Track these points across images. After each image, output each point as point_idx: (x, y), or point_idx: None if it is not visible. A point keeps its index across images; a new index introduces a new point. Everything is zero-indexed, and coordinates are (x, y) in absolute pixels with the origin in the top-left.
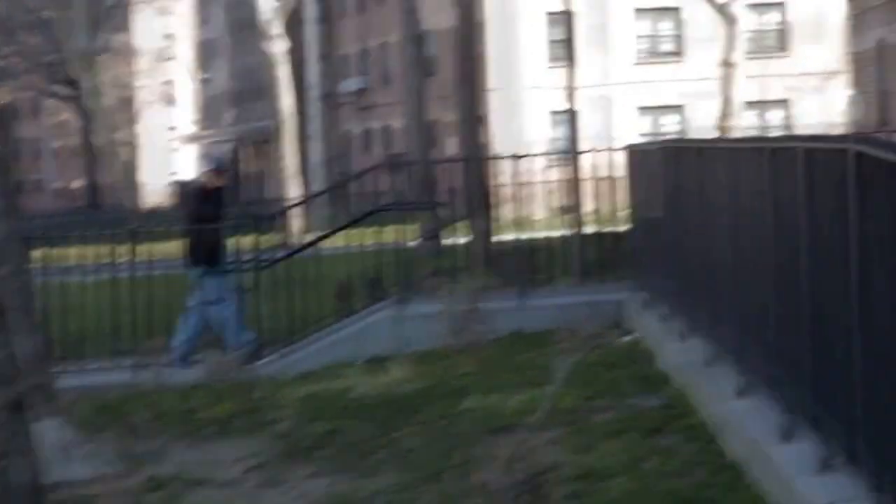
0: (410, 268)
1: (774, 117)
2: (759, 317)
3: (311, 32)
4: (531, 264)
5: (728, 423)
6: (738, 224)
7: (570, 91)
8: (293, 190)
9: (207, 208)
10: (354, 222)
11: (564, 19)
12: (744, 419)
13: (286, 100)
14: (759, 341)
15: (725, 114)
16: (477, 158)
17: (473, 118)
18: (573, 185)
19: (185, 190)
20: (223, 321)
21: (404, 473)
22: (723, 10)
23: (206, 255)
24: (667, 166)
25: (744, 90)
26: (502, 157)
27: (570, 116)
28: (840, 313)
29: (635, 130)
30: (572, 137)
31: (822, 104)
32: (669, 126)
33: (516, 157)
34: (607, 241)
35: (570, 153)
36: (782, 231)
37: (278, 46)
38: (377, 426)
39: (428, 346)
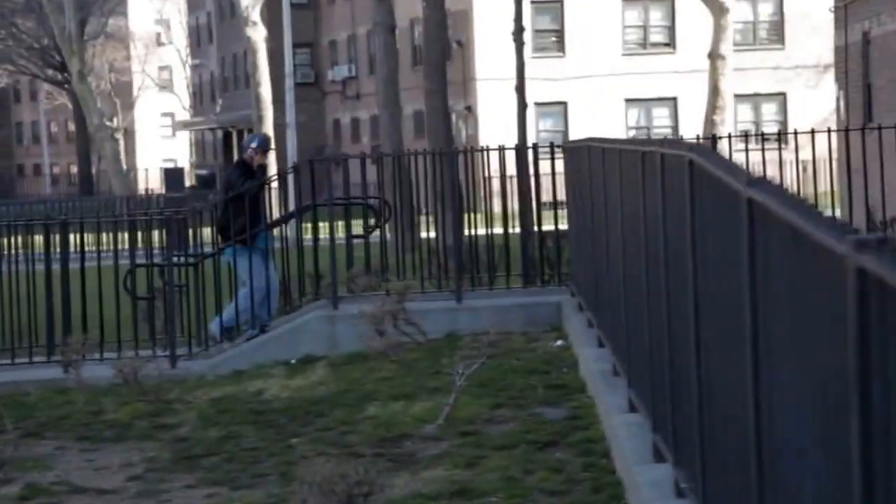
0: (343, 266)
1: (768, 111)
2: (637, 329)
3: (295, 18)
4: (475, 264)
5: (616, 438)
6: (624, 231)
7: (521, 81)
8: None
9: (246, 185)
10: (288, 218)
11: (551, 8)
12: (626, 435)
13: (265, 88)
14: (639, 354)
15: (714, 107)
16: (449, 152)
17: (444, 109)
18: (524, 181)
19: (227, 167)
20: (240, 298)
21: (283, 486)
22: (711, 1)
23: (239, 233)
24: (580, 167)
25: (737, 83)
26: (477, 150)
27: (520, 110)
28: (683, 333)
29: (624, 123)
30: (521, 134)
31: (817, 98)
32: (660, 119)
33: (484, 150)
34: (555, 241)
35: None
36: (649, 242)
37: (257, 33)
38: (275, 432)
39: (357, 348)
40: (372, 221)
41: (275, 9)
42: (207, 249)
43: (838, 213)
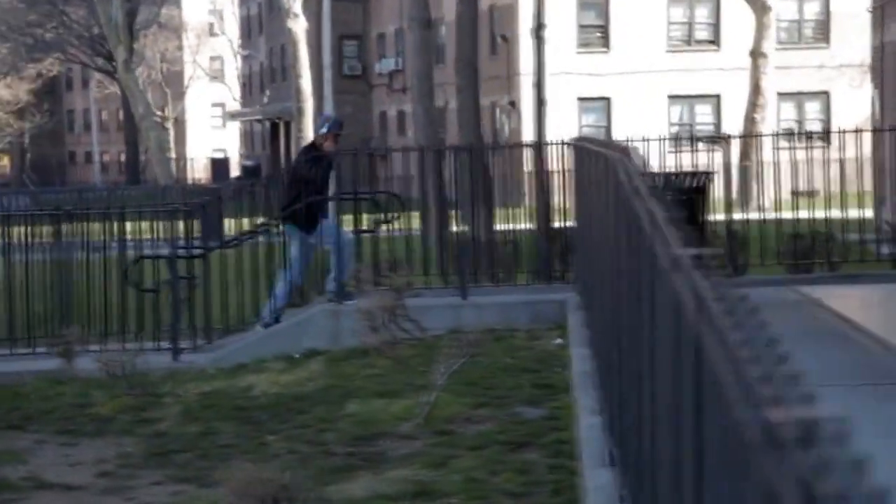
0: (351, 260)
1: (811, 109)
2: (605, 326)
3: (343, 10)
4: (480, 260)
5: (583, 440)
6: (597, 228)
7: (539, 78)
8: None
9: (312, 172)
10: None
11: (596, 4)
12: (590, 438)
13: (305, 80)
14: (604, 352)
15: (755, 105)
16: (478, 148)
17: (475, 105)
18: (538, 178)
19: (300, 150)
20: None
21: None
22: (753, 0)
23: (305, 218)
24: (579, 165)
25: (780, 81)
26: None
27: (538, 107)
28: (631, 330)
29: (667, 119)
30: (539, 130)
31: (861, 97)
32: (703, 116)
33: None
34: (564, 238)
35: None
36: (609, 239)
37: (298, 25)
38: (253, 429)
39: (358, 343)
40: (383, 216)
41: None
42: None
43: (869, 213)
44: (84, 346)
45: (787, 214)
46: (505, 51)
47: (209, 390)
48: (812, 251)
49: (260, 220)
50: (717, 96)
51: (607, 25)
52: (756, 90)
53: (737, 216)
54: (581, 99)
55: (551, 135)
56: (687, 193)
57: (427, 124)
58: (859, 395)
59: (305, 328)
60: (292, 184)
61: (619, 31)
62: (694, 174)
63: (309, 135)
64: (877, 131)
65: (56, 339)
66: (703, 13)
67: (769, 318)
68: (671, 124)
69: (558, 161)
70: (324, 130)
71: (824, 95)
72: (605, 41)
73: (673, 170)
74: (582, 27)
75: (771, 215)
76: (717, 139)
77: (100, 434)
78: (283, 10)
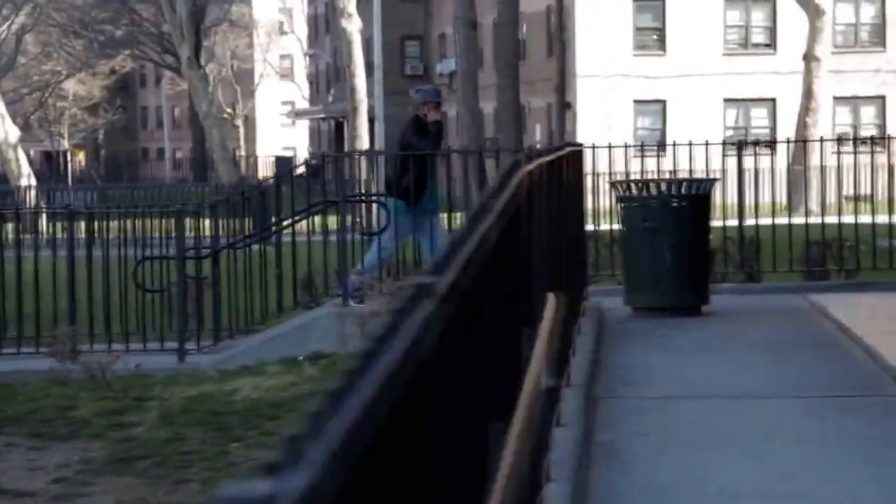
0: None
1: (867, 114)
2: None
3: (405, 11)
4: None
5: None
6: None
7: (561, 81)
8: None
9: (422, 143)
10: (298, 214)
11: (653, 6)
12: None
13: (360, 79)
14: None
15: (808, 108)
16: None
17: (516, 106)
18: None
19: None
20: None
21: (196, 494)
22: (807, 3)
23: (401, 190)
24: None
25: (836, 85)
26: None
27: (560, 111)
28: None
29: (722, 123)
30: (560, 133)
31: None
32: (759, 119)
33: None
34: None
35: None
36: None
37: (352, 25)
38: (220, 435)
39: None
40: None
41: (386, 0)
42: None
43: None
44: (77, 347)
45: (832, 220)
46: (561, 52)
47: (194, 394)
48: (826, 258)
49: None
50: (773, 100)
51: (664, 28)
52: (809, 94)
53: (756, 221)
54: (637, 101)
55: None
56: (688, 200)
57: (472, 124)
58: (822, 406)
59: (311, 330)
60: (401, 159)
61: (675, 34)
62: (697, 181)
63: (363, 133)
64: None
65: (51, 339)
66: (759, 16)
67: (768, 326)
68: (726, 128)
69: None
70: (422, 102)
71: (880, 100)
72: (661, 44)
73: (688, 176)
74: (638, 29)
75: (815, 220)
76: (759, 143)
77: (70, 438)
78: (338, 9)
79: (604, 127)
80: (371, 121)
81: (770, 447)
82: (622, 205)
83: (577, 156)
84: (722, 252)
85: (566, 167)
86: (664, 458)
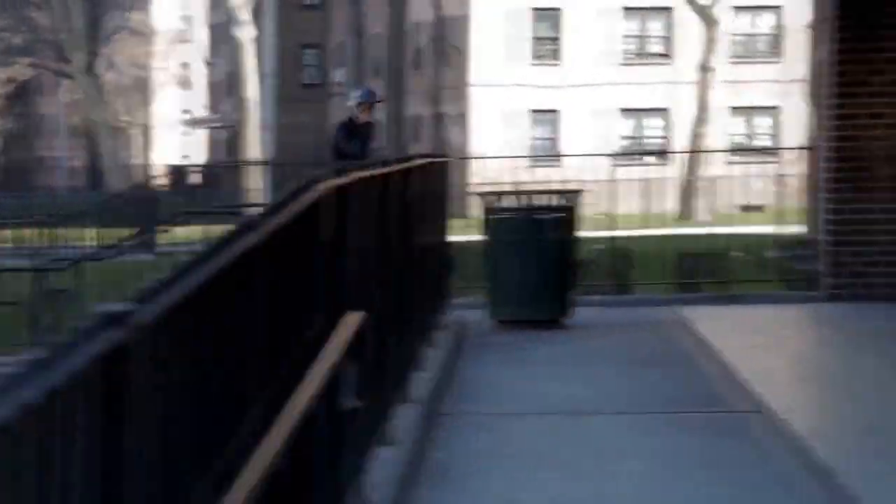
0: None
1: (762, 124)
2: None
3: (304, 19)
4: None
5: None
6: None
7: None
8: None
9: (352, 146)
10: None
11: (550, 16)
12: None
13: (251, 88)
14: None
15: (701, 119)
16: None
17: (399, 115)
18: None
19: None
20: None
21: None
22: (704, 13)
23: None
24: None
25: (733, 96)
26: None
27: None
28: None
29: (617, 132)
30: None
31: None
32: (653, 129)
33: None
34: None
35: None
36: None
37: (244, 33)
38: None
39: None
40: None
41: (284, 8)
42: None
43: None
44: None
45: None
46: (457, 61)
47: None
48: (698, 271)
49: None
50: (669, 110)
51: (560, 38)
52: (703, 104)
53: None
54: (533, 111)
55: (501, 147)
56: (554, 212)
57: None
58: (664, 423)
59: None
60: (334, 162)
61: (571, 44)
62: (564, 192)
63: (252, 142)
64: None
65: None
66: (655, 27)
67: (628, 340)
68: (622, 137)
69: None
70: (350, 103)
71: (776, 110)
72: (557, 53)
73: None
74: (535, 39)
75: (700, 230)
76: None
77: None
78: (231, 17)
79: (499, 136)
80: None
81: (598, 466)
82: (488, 216)
83: (439, 167)
84: (595, 263)
85: (420, 178)
86: (493, 477)
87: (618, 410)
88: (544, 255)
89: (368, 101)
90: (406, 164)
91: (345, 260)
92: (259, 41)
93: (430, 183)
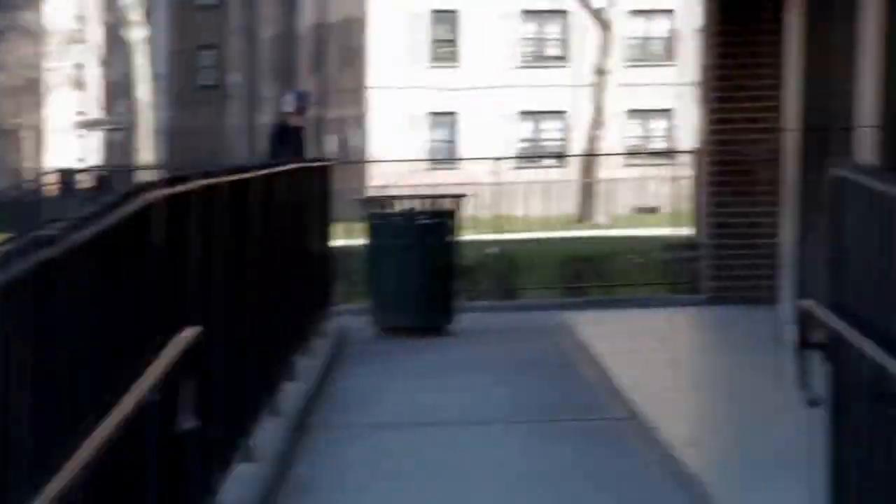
0: None
1: (658, 127)
2: None
3: (202, 19)
4: None
5: None
6: None
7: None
8: None
9: (285, 151)
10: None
11: (448, 18)
12: None
13: (142, 89)
14: None
15: (598, 122)
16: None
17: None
18: None
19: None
20: None
21: None
22: (598, 16)
23: None
24: None
25: (629, 99)
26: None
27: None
28: None
29: (516, 135)
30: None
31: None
32: (552, 132)
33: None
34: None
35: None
36: None
37: (135, 33)
38: None
39: None
40: None
41: (179, 9)
42: None
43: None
44: None
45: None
46: (355, 64)
47: None
48: (585, 275)
49: None
50: (566, 113)
51: (457, 40)
52: (599, 107)
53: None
54: (432, 114)
55: (399, 149)
56: (435, 217)
57: (250, 138)
58: (534, 432)
59: None
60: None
61: (469, 46)
62: (446, 197)
63: (145, 145)
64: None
65: None
66: (553, 29)
67: (510, 346)
68: (521, 140)
69: None
70: (288, 107)
71: (671, 113)
72: (455, 55)
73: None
74: (434, 41)
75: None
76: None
77: None
78: (121, 18)
79: (398, 138)
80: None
81: (469, 478)
82: (369, 222)
83: (318, 171)
84: (481, 268)
85: (289, 184)
86: (360, 491)
87: (494, 419)
88: (426, 261)
89: (300, 104)
90: (267, 171)
91: (184, 273)
92: (151, 42)
93: (305, 188)
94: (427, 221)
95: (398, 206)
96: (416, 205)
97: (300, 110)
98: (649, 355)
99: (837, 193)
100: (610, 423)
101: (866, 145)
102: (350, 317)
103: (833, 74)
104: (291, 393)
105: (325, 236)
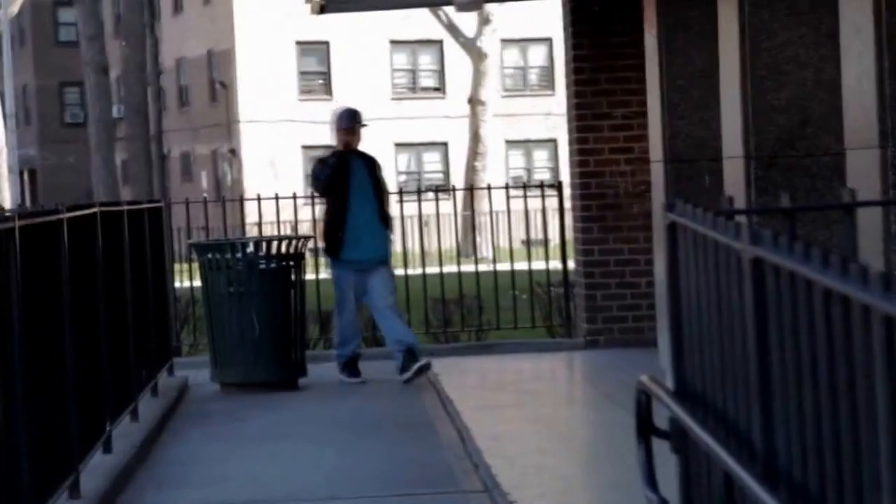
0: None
1: (539, 157)
2: None
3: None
4: None
5: None
6: None
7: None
8: None
9: (321, 174)
10: None
11: (317, 50)
12: None
13: None
14: None
15: (475, 152)
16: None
17: (146, 156)
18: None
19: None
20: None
21: None
22: (470, 47)
23: (324, 238)
24: None
25: (508, 129)
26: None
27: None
28: None
29: (394, 168)
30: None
31: None
32: (431, 164)
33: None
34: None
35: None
36: None
37: None
38: None
39: None
40: None
41: (41, 46)
42: None
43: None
44: None
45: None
46: (224, 98)
47: None
48: (455, 317)
49: None
50: (445, 144)
51: (329, 72)
52: (476, 138)
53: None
54: (305, 147)
55: (272, 185)
56: (280, 260)
57: (107, 175)
58: None
59: None
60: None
61: (341, 78)
62: (292, 238)
63: (4, 186)
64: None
65: None
66: (426, 60)
67: (363, 402)
68: (399, 173)
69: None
70: (343, 124)
71: (552, 143)
72: (327, 88)
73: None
74: (302, 73)
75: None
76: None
77: None
78: None
79: (270, 174)
80: (24, 173)
81: None
82: (201, 269)
83: (146, 213)
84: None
85: (106, 227)
86: None
87: (330, 496)
88: (271, 310)
89: (344, 126)
90: (70, 214)
91: None
92: (20, 80)
93: (132, 231)
94: (273, 265)
95: (235, 250)
96: (254, 247)
97: (346, 132)
98: (516, 412)
99: (672, 242)
100: (463, 497)
101: (736, 177)
102: (196, 371)
103: (695, 100)
104: (100, 468)
105: (160, 283)
